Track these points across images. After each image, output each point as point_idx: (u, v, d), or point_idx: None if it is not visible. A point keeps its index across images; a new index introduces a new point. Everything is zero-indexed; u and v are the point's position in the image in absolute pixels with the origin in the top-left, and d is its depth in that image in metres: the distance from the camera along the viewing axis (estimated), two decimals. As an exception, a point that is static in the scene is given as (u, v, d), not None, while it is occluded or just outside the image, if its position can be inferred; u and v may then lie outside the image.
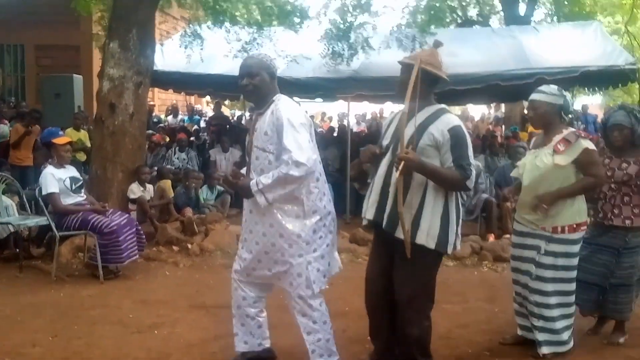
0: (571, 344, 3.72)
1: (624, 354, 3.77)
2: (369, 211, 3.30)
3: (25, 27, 11.62)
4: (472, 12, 16.11)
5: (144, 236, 5.64)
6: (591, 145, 3.57)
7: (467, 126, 13.57)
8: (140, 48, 6.70)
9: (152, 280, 5.40)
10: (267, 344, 3.48)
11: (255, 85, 3.13)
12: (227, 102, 16.51)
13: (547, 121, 3.65)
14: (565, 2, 14.62)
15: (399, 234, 3.14)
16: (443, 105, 3.27)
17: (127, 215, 5.66)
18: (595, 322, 4.16)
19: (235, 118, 14.97)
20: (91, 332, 4.06)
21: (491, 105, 16.16)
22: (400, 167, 3.01)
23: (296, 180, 3.00)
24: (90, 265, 5.42)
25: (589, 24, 9.65)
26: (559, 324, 3.64)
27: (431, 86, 3.23)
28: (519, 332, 3.86)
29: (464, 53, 8.98)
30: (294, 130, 3.00)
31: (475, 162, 7.71)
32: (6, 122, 8.61)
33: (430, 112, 3.18)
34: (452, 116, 3.20)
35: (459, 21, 15.68)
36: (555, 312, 3.63)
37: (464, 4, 15.79)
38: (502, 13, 15.50)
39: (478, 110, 17.33)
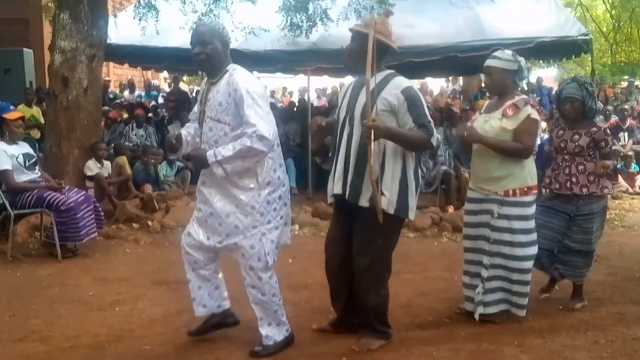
0: (524, 312, 3.80)
1: (577, 317, 3.90)
2: (335, 186, 3.32)
3: (-30, 0, 11.09)
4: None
5: (102, 213, 5.53)
6: (535, 115, 3.65)
7: (426, 100, 13.75)
8: (92, 19, 6.50)
9: (112, 258, 5.33)
10: (226, 305, 3.45)
11: (207, 54, 3.07)
12: (185, 77, 16.21)
13: (502, 87, 3.70)
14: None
15: (363, 202, 3.18)
16: (392, 71, 3.29)
17: (84, 192, 5.53)
18: (547, 283, 4.30)
19: (194, 94, 14.71)
20: (50, 310, 4.00)
21: (449, 79, 16.33)
22: (372, 136, 3.03)
23: (258, 154, 2.99)
24: (48, 244, 5.30)
25: (543, -4, 9.78)
26: (516, 287, 3.73)
27: (382, 55, 3.25)
28: (465, 303, 3.91)
29: (422, 24, 9.01)
30: (255, 102, 2.98)
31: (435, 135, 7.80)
32: (-48, 99, 8.25)
33: (380, 78, 3.21)
34: (402, 79, 3.23)
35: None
36: (515, 276, 3.71)
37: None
38: (459, -15, 15.53)
39: (436, 85, 17.51)
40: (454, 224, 6.33)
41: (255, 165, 3.07)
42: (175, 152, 3.37)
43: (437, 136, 3.21)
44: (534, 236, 3.74)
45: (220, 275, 3.44)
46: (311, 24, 8.33)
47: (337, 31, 8.30)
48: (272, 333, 3.28)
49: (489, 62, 3.71)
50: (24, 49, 9.67)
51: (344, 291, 3.47)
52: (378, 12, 8.45)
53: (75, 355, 3.34)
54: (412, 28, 8.95)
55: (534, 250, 3.74)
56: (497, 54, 3.73)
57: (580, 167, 3.97)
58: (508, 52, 3.73)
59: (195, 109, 3.38)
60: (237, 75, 3.07)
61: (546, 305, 4.13)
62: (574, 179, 3.97)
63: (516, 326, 3.75)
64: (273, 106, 12.20)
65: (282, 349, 3.31)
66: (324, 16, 8.40)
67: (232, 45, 9.17)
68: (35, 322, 3.79)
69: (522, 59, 3.71)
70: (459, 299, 4.11)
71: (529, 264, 3.74)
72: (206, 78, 3.26)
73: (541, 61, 12.90)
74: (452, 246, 5.82)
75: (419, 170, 3.35)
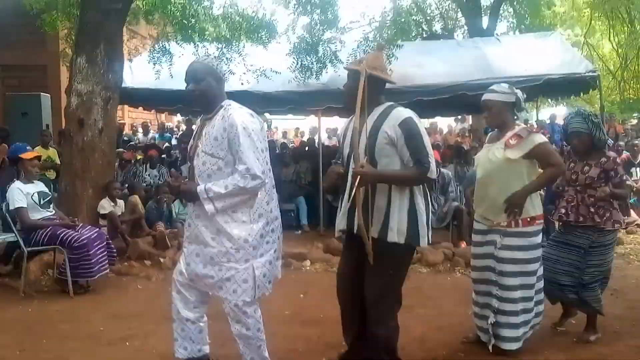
0: (527, 336, 3.79)
1: (596, 351, 3.83)
2: (341, 222, 3.34)
3: (-9, 48, 11.49)
4: (437, 27, 16.46)
5: (114, 250, 5.56)
6: (542, 139, 3.69)
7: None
8: (108, 63, 6.66)
9: (123, 294, 5.32)
10: (206, 349, 3.40)
11: (201, 91, 3.09)
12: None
13: (501, 120, 3.73)
14: (526, 15, 15.03)
15: (373, 234, 3.15)
16: (392, 103, 3.28)
17: (97, 229, 5.57)
18: (560, 316, 4.25)
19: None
20: (60, 345, 3.98)
21: (458, 117, 16.43)
22: (357, 183, 3.02)
23: (249, 193, 3.00)
24: (60, 281, 5.31)
25: (549, 34, 9.94)
26: (520, 318, 3.70)
27: (379, 89, 3.25)
28: (478, 333, 3.92)
29: (430, 64, 9.17)
30: (249, 139, 2.98)
31: (445, 171, 7.79)
32: (-29, 141, 8.44)
33: (380, 111, 3.21)
34: (402, 110, 3.21)
35: (424, 35, 15.99)
36: (519, 306, 3.69)
37: (428, 18, 16.11)
38: (465, 27, 15.87)
39: (445, 124, 17.59)
40: (466, 259, 6.24)
41: (247, 199, 3.07)
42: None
43: (434, 169, 3.16)
44: (536, 266, 3.74)
45: (205, 319, 3.38)
46: (321, 65, 8.51)
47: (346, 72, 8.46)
48: None
49: (487, 97, 3.74)
50: (42, 93, 9.93)
51: (355, 324, 3.43)
52: (387, 53, 8.64)
53: (85, 390, 3.33)
54: (420, 68, 9.10)
55: (533, 280, 3.74)
56: (493, 87, 3.76)
57: (591, 199, 3.95)
58: (504, 85, 3.77)
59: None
60: (233, 110, 3.06)
61: (562, 338, 4.06)
62: (582, 211, 3.94)
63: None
64: (284, 146, 12.35)
65: None
66: (333, 58, 8.58)
67: (244, 87, 9.41)
68: (45, 356, 3.79)
69: (518, 91, 3.74)
70: (473, 333, 4.06)
71: (531, 293, 3.74)
72: (202, 115, 3.26)
73: (549, 100, 12.99)
74: (465, 281, 5.70)
75: (429, 200, 3.35)
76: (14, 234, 5.34)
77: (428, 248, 6.59)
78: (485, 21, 14.88)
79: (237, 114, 3.05)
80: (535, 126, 13.18)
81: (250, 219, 3.08)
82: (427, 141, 3.20)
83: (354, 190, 3.07)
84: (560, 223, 4.14)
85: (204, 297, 3.31)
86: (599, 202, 3.93)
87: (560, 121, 15.08)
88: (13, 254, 6.00)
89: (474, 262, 3.90)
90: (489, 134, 4.03)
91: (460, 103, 9.83)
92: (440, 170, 7.50)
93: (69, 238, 5.15)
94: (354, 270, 3.35)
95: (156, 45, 9.07)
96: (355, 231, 3.21)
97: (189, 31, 8.51)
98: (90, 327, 4.37)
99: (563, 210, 4.03)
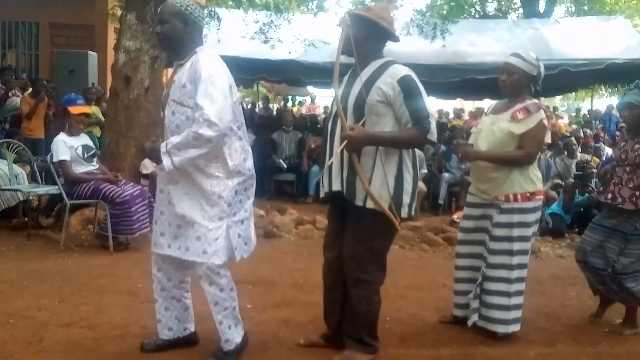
0: (519, 325, 3.56)
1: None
2: (334, 182, 3.06)
3: (41, 5, 11.53)
4: (491, 8, 15.96)
5: (155, 209, 5.49)
6: (546, 120, 3.46)
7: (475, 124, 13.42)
8: (158, 20, 6.56)
9: (162, 253, 5.25)
10: (192, 327, 3.23)
11: (165, 34, 2.85)
12: (241, 87, 16.62)
13: (517, 89, 3.49)
14: (585, 1, 14.45)
15: (359, 202, 2.96)
16: (390, 58, 3.04)
17: (139, 186, 5.51)
18: (598, 306, 4.02)
19: (249, 106, 15.22)
20: (99, 299, 3.93)
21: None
22: (345, 148, 2.82)
23: (207, 143, 2.72)
24: (100, 236, 5.28)
25: (613, 18, 9.49)
26: (513, 300, 3.48)
27: (379, 41, 3.05)
28: (455, 311, 3.73)
29: (484, 43, 8.89)
30: (210, 85, 2.73)
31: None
32: (18, 94, 8.51)
33: (376, 66, 2.97)
34: (400, 67, 2.98)
35: (477, 17, 15.54)
36: (513, 287, 3.47)
37: (483, -2, 15.67)
38: (521, 10, 15.35)
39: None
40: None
41: (222, 152, 2.83)
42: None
43: (434, 131, 2.93)
44: (529, 245, 3.54)
45: (190, 295, 3.21)
46: (371, 37, 8.28)
47: (398, 46, 8.18)
48: (232, 336, 3.01)
49: (511, 60, 3.49)
50: (89, 51, 9.94)
51: (338, 303, 3.17)
52: (441, 28, 8.36)
53: (122, 344, 3.25)
54: (474, 46, 8.81)
55: (527, 259, 3.54)
56: (521, 53, 3.52)
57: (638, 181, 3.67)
58: (533, 55, 3.50)
59: None
60: (202, 57, 2.83)
61: (598, 329, 3.86)
62: (637, 193, 3.65)
63: (590, 350, 3.50)
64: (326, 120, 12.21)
65: (241, 350, 3.06)
66: (384, 31, 8.34)
67: (292, 56, 9.27)
68: (84, 309, 3.73)
69: (542, 66, 3.50)
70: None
71: (525, 273, 3.53)
72: (175, 61, 3.01)
73: (604, 88, 12.44)
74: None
75: (417, 169, 3.10)
76: (57, 187, 5.32)
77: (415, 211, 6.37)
78: (542, 5, 14.34)
79: (205, 60, 2.80)
80: (588, 116, 12.65)
81: (225, 175, 2.86)
82: (427, 101, 3.00)
83: (336, 153, 2.91)
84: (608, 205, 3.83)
85: (186, 273, 3.13)
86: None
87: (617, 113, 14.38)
88: (55, 207, 6.02)
89: (462, 236, 3.69)
90: (492, 104, 3.70)
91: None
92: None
93: (111, 193, 5.09)
94: (339, 241, 3.10)
95: (205, 10, 8.95)
96: (345, 195, 2.99)
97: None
98: (130, 283, 4.31)
99: (610, 194, 3.76)
